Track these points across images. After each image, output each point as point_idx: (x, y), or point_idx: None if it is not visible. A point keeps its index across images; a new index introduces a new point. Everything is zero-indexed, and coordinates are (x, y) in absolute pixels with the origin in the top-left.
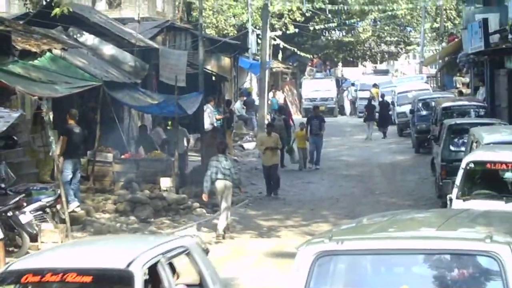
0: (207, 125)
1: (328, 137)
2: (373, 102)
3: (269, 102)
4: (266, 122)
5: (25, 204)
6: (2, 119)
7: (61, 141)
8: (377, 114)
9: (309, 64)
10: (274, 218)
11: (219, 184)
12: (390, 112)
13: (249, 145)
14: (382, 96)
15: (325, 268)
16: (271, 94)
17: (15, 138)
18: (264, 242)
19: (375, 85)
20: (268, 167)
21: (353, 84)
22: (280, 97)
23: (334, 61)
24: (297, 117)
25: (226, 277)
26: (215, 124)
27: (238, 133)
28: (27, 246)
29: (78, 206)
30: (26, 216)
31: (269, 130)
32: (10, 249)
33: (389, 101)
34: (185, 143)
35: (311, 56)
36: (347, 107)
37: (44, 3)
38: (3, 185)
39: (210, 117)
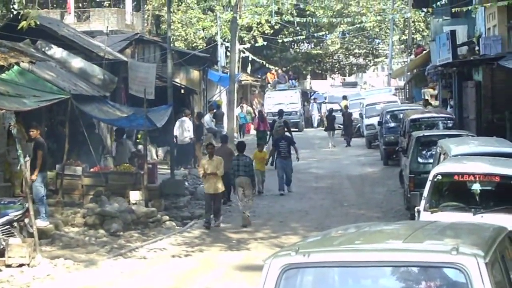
0: (184, 138)
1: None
2: (333, 113)
3: (237, 115)
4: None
5: None
6: None
7: (38, 156)
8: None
9: (272, 73)
10: (243, 230)
11: (239, 179)
12: (354, 123)
13: None
14: (346, 107)
15: (292, 281)
16: (238, 108)
17: None
18: (233, 254)
19: (344, 97)
20: (209, 195)
21: (325, 98)
22: (249, 110)
23: (303, 73)
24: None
25: None
26: (191, 137)
27: (212, 143)
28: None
29: (46, 225)
30: None
31: (210, 152)
32: None
33: (353, 111)
34: (154, 155)
35: (274, 68)
36: (315, 119)
37: (11, 16)
38: None
39: (189, 130)
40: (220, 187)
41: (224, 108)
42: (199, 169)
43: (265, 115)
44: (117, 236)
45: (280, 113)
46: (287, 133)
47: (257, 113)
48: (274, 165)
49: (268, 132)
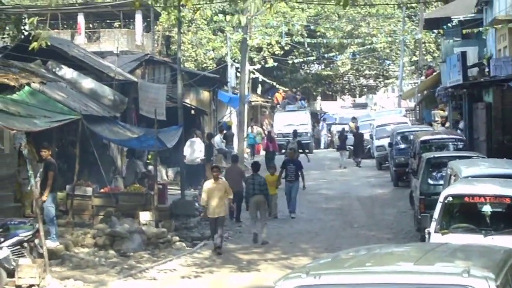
0: (195, 159)
1: (307, 170)
2: (345, 133)
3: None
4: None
5: (2, 239)
6: None
7: (49, 176)
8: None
9: (280, 93)
10: (253, 251)
11: (255, 198)
12: (365, 143)
13: None
14: (357, 128)
15: None
16: (249, 129)
17: None
18: (243, 276)
19: (354, 119)
20: (213, 219)
21: (335, 119)
22: (259, 131)
23: (313, 94)
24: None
25: None
26: (203, 157)
27: (217, 166)
28: (3, 281)
29: (56, 246)
30: (2, 252)
31: (216, 175)
32: None
33: (364, 132)
34: (164, 176)
35: (283, 89)
36: (324, 140)
37: (23, 37)
38: None
39: (200, 151)
40: (222, 211)
41: (234, 129)
42: (203, 194)
43: (275, 136)
44: (127, 257)
45: (295, 134)
46: (302, 154)
47: (266, 134)
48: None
49: (277, 153)
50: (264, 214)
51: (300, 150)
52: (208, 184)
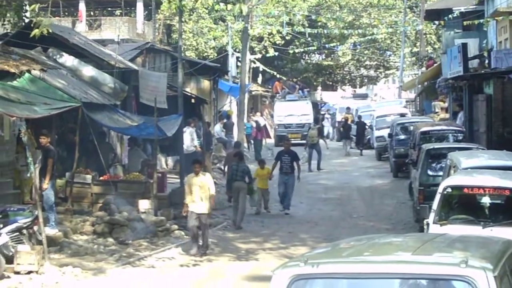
0: (187, 147)
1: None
2: (348, 123)
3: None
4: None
5: (1, 225)
6: None
7: (49, 163)
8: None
9: (280, 82)
10: (252, 240)
11: (236, 184)
12: (366, 132)
13: None
14: (359, 117)
15: None
16: (247, 119)
17: None
18: (241, 265)
19: (348, 109)
20: (195, 215)
21: (336, 110)
22: (259, 120)
23: (314, 84)
24: (271, 142)
25: None
26: (197, 146)
27: (217, 155)
28: (2, 268)
29: (55, 233)
30: (1, 238)
31: (197, 169)
32: None
33: (366, 122)
34: (164, 165)
35: (282, 78)
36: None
37: (23, 24)
38: None
39: (192, 140)
40: (207, 208)
41: (234, 118)
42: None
43: (263, 124)
44: (125, 245)
45: (316, 120)
46: (321, 141)
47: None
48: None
49: (265, 140)
50: (243, 201)
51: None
52: (190, 178)
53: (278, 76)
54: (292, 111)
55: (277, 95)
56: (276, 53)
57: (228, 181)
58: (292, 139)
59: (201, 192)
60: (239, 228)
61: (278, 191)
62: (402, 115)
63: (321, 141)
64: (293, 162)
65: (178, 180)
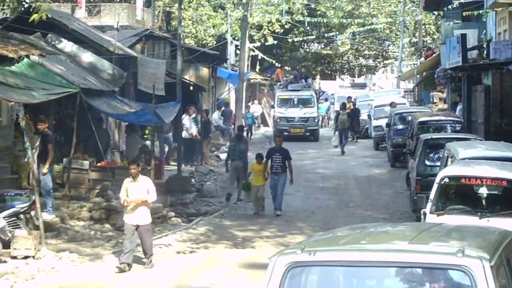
0: (185, 134)
1: (304, 149)
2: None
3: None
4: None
5: None
6: None
7: (49, 148)
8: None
9: (282, 69)
10: (249, 228)
11: (234, 164)
12: (362, 124)
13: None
14: (354, 104)
15: (297, 279)
16: (247, 108)
17: None
18: (238, 252)
19: (349, 98)
20: (132, 226)
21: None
22: (257, 109)
23: (312, 73)
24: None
25: (200, 287)
26: (194, 133)
27: (215, 143)
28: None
29: (52, 219)
30: None
31: (135, 172)
32: None
33: (359, 109)
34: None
35: (284, 66)
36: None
37: (23, 9)
38: None
39: (188, 127)
40: (147, 216)
41: (232, 106)
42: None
43: (260, 113)
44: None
45: (343, 105)
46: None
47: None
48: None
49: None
50: (242, 180)
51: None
52: (126, 182)
53: (276, 64)
54: (294, 103)
55: (278, 83)
56: (275, 42)
57: (226, 159)
58: (295, 133)
59: (139, 199)
60: (238, 202)
61: (271, 192)
62: (393, 104)
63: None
64: (285, 161)
65: (176, 168)
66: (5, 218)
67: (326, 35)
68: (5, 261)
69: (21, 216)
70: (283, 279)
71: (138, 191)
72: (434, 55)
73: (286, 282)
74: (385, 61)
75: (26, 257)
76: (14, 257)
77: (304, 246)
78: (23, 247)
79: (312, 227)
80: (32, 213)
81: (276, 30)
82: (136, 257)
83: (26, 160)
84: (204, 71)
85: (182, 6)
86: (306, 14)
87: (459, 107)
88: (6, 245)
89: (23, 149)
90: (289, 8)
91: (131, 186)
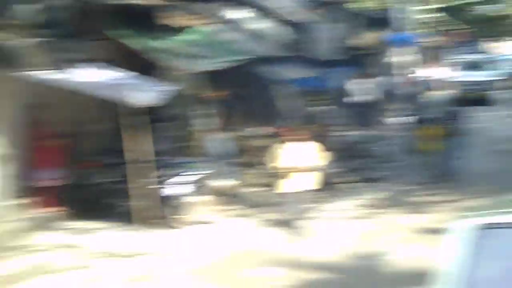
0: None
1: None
2: None
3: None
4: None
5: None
6: (159, 92)
7: (225, 117)
8: None
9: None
10: (424, 193)
11: None
12: None
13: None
14: None
15: (487, 243)
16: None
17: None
18: (414, 218)
19: None
20: None
21: None
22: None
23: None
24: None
25: (376, 252)
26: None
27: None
28: (189, 216)
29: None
30: (172, 189)
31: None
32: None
33: None
34: None
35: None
36: None
37: None
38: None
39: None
40: (315, 182)
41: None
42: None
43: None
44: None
45: None
46: None
47: None
48: None
49: None
50: None
51: None
52: (293, 147)
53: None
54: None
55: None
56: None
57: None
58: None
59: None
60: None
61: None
62: None
63: None
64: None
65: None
66: (184, 185)
67: None
68: (178, 227)
69: (197, 183)
70: (471, 243)
71: (307, 156)
72: None
73: (475, 246)
74: None
75: (202, 223)
76: (190, 223)
77: (495, 207)
78: (199, 212)
79: (492, 192)
80: (208, 180)
81: None
82: (305, 223)
83: (203, 128)
84: (372, 36)
85: None
86: None
87: None
88: (186, 211)
89: (200, 117)
90: None
91: (299, 151)
